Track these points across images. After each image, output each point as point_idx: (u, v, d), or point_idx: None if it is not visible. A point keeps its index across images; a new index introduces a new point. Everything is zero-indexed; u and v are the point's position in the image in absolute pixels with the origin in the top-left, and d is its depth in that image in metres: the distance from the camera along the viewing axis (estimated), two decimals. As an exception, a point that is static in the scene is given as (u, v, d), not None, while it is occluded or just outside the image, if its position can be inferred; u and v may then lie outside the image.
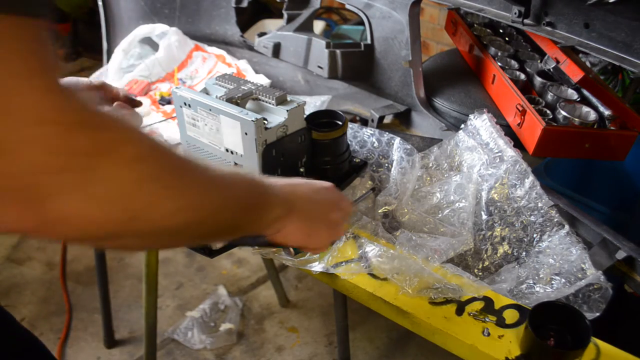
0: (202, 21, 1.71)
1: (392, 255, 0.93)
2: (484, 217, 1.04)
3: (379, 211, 1.07)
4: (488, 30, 1.52)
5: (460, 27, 1.56)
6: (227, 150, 0.99)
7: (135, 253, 2.30)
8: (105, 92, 1.01)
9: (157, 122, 1.39)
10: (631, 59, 1.03)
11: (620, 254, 0.95)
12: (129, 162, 0.45)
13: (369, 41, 1.44)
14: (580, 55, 1.39)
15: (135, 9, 1.76)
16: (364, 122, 1.45)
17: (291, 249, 0.91)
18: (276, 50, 1.53)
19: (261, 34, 1.58)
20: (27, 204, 0.40)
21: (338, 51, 1.40)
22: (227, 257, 2.30)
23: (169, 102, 1.52)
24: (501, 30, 1.56)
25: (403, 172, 1.09)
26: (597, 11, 1.05)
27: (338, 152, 1.07)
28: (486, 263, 1.01)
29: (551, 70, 1.28)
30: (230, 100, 0.97)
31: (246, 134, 0.93)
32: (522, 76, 1.33)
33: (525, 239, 1.00)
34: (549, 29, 1.15)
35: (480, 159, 1.08)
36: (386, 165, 1.15)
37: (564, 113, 1.16)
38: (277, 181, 0.70)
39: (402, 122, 1.48)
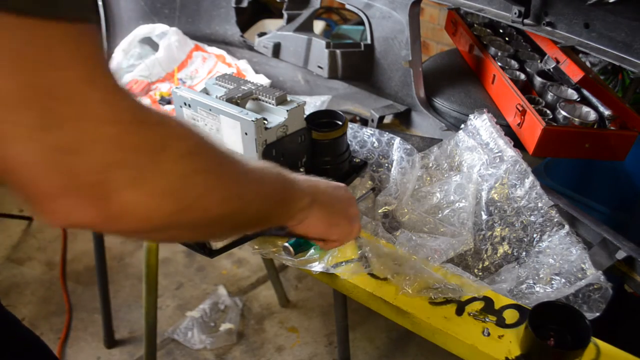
0: (202, 21, 1.72)
1: (392, 255, 0.93)
2: (484, 217, 1.04)
3: (379, 211, 1.07)
4: (488, 30, 1.52)
5: (460, 27, 1.56)
6: (227, 150, 0.99)
7: (134, 254, 2.30)
8: None
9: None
10: (631, 59, 1.03)
11: (620, 254, 0.95)
12: (182, 156, 0.47)
13: (369, 41, 1.44)
14: (580, 55, 1.39)
15: (135, 9, 1.76)
16: (364, 122, 1.45)
17: (291, 249, 0.91)
18: (276, 50, 1.53)
19: (261, 34, 1.58)
20: (95, 201, 0.43)
21: (338, 51, 1.41)
22: (227, 257, 2.30)
23: (169, 102, 1.52)
24: (501, 30, 1.56)
25: (403, 172, 1.09)
26: (597, 11, 1.05)
27: (338, 152, 1.07)
28: (486, 263, 1.01)
29: (551, 70, 1.28)
30: (230, 100, 0.97)
31: (246, 134, 0.93)
32: (522, 76, 1.33)
33: (525, 239, 1.00)
34: (549, 29, 1.15)
35: (480, 159, 1.08)
36: (386, 165, 1.15)
37: (564, 113, 1.16)
38: (299, 175, 0.73)
39: (402, 122, 1.48)
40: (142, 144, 0.44)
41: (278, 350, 1.95)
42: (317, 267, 0.94)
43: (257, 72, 1.63)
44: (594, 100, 1.22)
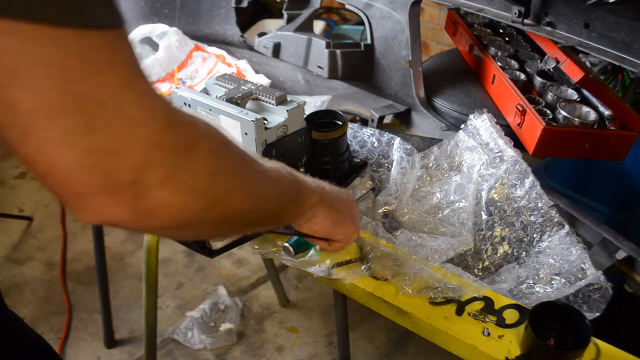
0: (202, 21, 1.72)
1: (392, 255, 0.93)
2: (484, 217, 1.04)
3: (379, 211, 1.07)
4: (488, 30, 1.52)
5: (460, 27, 1.56)
6: (227, 150, 0.99)
7: (134, 254, 2.30)
8: None
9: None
10: (631, 59, 1.03)
11: (620, 254, 0.95)
12: (208, 156, 0.49)
13: (369, 41, 1.44)
14: (580, 55, 1.39)
15: (135, 9, 1.76)
16: (364, 122, 1.45)
17: (291, 249, 0.91)
18: (276, 50, 1.53)
19: (261, 34, 1.58)
20: (129, 199, 0.44)
21: (338, 51, 1.41)
22: (227, 257, 2.30)
23: (169, 102, 1.52)
24: (501, 30, 1.56)
25: (403, 172, 1.09)
26: (597, 11, 1.05)
27: (338, 152, 1.07)
28: (486, 263, 1.01)
29: (551, 70, 1.28)
30: (230, 100, 0.97)
31: (246, 134, 0.93)
32: (522, 76, 1.33)
33: (525, 239, 1.00)
34: (549, 29, 1.15)
35: (480, 159, 1.08)
36: (386, 165, 1.15)
37: (564, 113, 1.16)
38: (305, 175, 0.74)
39: (402, 122, 1.48)
40: (174, 144, 0.46)
41: (278, 350, 1.95)
42: (318, 271, 0.94)
43: (257, 72, 1.63)
44: (594, 100, 1.22)
